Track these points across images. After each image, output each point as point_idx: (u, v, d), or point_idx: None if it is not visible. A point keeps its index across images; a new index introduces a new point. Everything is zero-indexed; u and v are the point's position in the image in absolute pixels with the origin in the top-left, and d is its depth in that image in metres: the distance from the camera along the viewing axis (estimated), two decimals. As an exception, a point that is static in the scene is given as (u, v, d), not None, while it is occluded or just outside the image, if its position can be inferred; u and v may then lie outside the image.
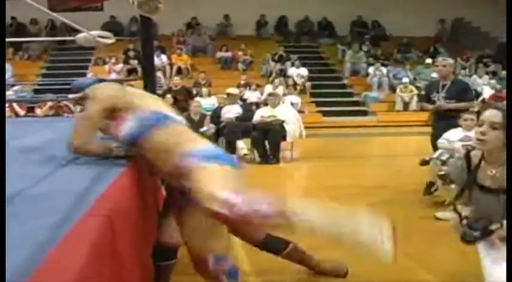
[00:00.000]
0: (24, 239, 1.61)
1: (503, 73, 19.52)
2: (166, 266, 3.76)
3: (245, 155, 10.84)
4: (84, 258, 1.50)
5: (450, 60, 7.96)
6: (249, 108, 12.13)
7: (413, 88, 18.60)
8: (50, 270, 1.37)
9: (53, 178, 2.57)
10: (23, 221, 1.83)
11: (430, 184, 7.03)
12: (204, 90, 16.39)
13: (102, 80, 5.36)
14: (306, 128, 11.60)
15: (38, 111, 14.39)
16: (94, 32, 4.89)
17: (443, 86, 7.47)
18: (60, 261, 1.44)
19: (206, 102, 14.58)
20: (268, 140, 10.74)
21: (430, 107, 7.70)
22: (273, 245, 4.05)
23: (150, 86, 5.56)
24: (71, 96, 4.32)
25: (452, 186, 6.72)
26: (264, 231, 3.92)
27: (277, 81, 17.82)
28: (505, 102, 7.53)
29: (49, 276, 1.33)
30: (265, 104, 12.39)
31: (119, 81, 12.64)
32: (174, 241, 3.71)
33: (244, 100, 15.70)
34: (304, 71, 19.50)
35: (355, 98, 19.49)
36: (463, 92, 7.47)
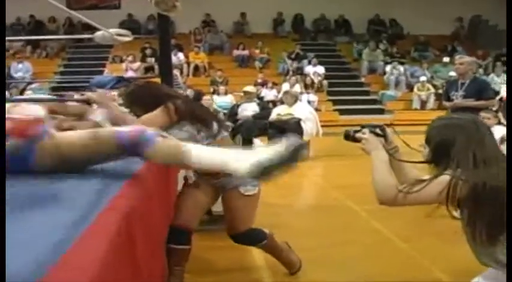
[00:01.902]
0: (42, 235, 1.61)
1: (522, 72, 19.37)
2: (178, 250, 3.86)
3: (262, 153, 10.81)
4: (103, 255, 1.51)
5: (468, 58, 7.90)
6: (266, 106, 12.11)
7: (431, 86, 18.54)
8: (67, 267, 1.38)
9: (71, 175, 2.58)
10: (41, 217, 1.84)
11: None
12: (222, 88, 16.41)
13: (120, 78, 5.39)
14: (322, 126, 11.59)
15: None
16: (112, 30, 4.92)
17: (462, 84, 7.41)
18: (78, 258, 1.44)
19: (223, 100, 14.61)
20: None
21: (448, 104, 7.66)
22: (253, 237, 4.09)
23: (167, 84, 5.57)
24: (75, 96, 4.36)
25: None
26: (248, 225, 3.97)
27: (293, 79, 17.81)
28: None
29: (67, 274, 1.34)
30: (282, 102, 12.38)
31: (136, 79, 12.71)
32: (189, 226, 3.84)
33: (261, 98, 15.70)
34: (320, 69, 19.47)
35: (372, 97, 19.45)
36: (482, 91, 7.40)
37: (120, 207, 1.98)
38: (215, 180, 3.79)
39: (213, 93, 15.95)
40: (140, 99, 3.74)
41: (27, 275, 1.29)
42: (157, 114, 3.56)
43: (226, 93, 16.01)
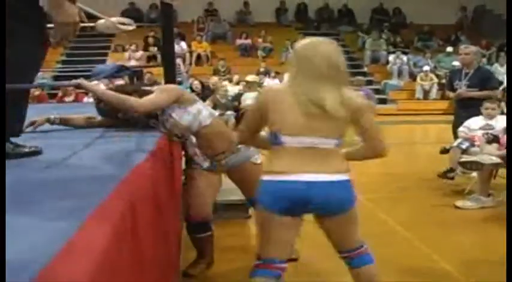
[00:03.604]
0: (47, 221, 1.64)
1: (527, 61, 19.33)
2: (203, 238, 4.13)
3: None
4: (106, 241, 1.51)
5: (473, 48, 7.88)
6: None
7: (434, 76, 18.50)
8: (71, 252, 1.38)
9: (76, 161, 2.60)
10: (47, 204, 1.86)
11: (449, 170, 6.98)
12: (235, 77, 16.37)
13: (122, 67, 5.39)
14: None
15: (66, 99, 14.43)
16: (114, 19, 4.89)
17: (466, 74, 7.40)
18: (81, 244, 1.45)
19: (234, 90, 14.59)
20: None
21: (452, 94, 7.65)
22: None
23: (170, 73, 5.56)
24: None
25: (473, 174, 6.71)
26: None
27: (296, 68, 17.75)
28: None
29: (71, 258, 1.34)
30: (285, 91, 12.36)
31: (139, 68, 12.69)
32: (208, 217, 3.99)
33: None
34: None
35: (375, 86, 19.38)
36: (485, 80, 7.38)
37: (125, 194, 1.98)
38: (226, 159, 3.92)
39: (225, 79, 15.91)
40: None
41: (31, 262, 1.29)
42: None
43: (238, 83, 15.98)
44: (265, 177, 2.96)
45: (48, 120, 4.02)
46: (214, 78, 13.64)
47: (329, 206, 3.01)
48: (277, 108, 2.92)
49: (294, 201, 2.92)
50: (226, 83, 14.94)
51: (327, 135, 2.92)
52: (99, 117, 4.19)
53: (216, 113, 4.17)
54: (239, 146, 3.88)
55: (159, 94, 3.64)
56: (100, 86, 4.46)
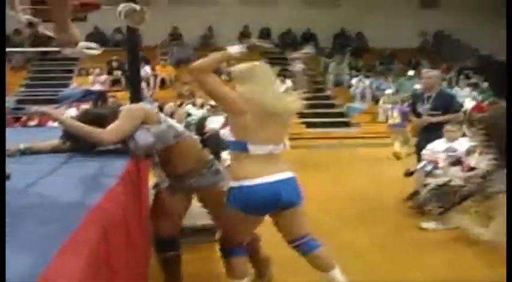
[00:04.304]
0: (20, 250, 1.62)
1: (485, 85, 19.72)
2: (171, 257, 4.18)
3: (229, 166, 10.82)
4: (82, 269, 1.51)
5: (435, 72, 8.02)
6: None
7: (396, 99, 18.70)
8: (49, 280, 1.38)
9: (46, 187, 2.58)
10: (20, 232, 1.84)
11: (414, 193, 7.07)
12: (199, 100, 16.35)
13: (89, 91, 5.40)
14: (290, 139, 11.65)
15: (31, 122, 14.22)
16: (81, 43, 4.88)
17: (428, 97, 7.51)
18: (57, 272, 1.44)
19: (198, 113, 14.56)
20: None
21: (417, 120, 7.73)
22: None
23: (136, 96, 5.56)
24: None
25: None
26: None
27: (260, 92, 17.76)
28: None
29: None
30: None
31: (104, 93, 12.64)
32: (175, 234, 4.04)
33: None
34: (287, 83, 19.51)
35: (338, 109, 19.53)
36: (448, 104, 7.52)
37: (99, 220, 1.98)
38: (191, 180, 3.91)
39: (180, 105, 15.86)
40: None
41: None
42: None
43: (202, 106, 15.97)
44: (236, 183, 3.57)
45: (19, 151, 3.95)
46: (170, 104, 13.61)
47: (292, 199, 3.73)
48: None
49: (267, 200, 3.60)
50: (190, 106, 14.93)
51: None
52: (67, 144, 4.16)
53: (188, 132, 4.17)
54: (206, 169, 3.92)
55: (124, 121, 3.64)
56: (67, 114, 4.46)
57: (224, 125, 9.55)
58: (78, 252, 1.59)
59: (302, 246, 3.87)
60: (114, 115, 3.79)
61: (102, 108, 4.51)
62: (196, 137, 10.99)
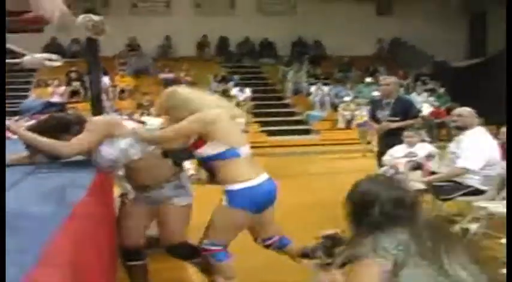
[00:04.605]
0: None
1: (441, 90, 20.07)
2: (137, 266, 4.18)
3: (192, 175, 10.82)
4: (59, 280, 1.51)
5: (392, 79, 8.11)
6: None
7: (355, 106, 18.90)
8: None
9: (13, 199, 2.55)
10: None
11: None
12: (152, 109, 16.31)
13: (49, 103, 5.36)
14: (251, 147, 11.63)
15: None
16: (40, 55, 4.85)
17: (387, 104, 7.58)
18: None
19: (154, 123, 14.47)
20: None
21: (377, 127, 7.79)
22: (188, 250, 4.19)
23: (97, 107, 5.54)
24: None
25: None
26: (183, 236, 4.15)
27: (220, 101, 17.71)
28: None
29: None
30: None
31: (64, 104, 12.52)
32: (139, 244, 4.03)
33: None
34: (247, 92, 19.60)
35: (297, 117, 19.65)
36: (407, 109, 7.61)
37: (70, 233, 1.97)
38: (147, 193, 3.91)
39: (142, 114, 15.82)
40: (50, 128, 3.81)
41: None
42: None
43: (159, 114, 15.89)
44: (240, 185, 3.84)
45: None
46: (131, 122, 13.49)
47: (274, 198, 4.09)
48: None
49: (270, 197, 4.04)
50: (146, 116, 14.85)
51: None
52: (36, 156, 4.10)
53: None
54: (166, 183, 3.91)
55: (87, 134, 3.63)
56: (26, 126, 4.40)
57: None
58: (54, 264, 1.59)
59: (277, 242, 4.25)
60: (78, 120, 3.79)
61: (67, 114, 4.49)
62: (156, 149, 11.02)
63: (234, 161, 3.90)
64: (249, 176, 3.89)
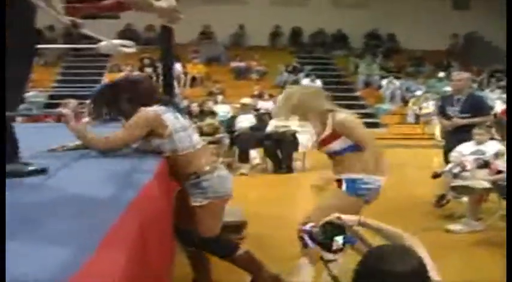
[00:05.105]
0: (58, 245, 1.68)
1: (517, 88, 19.53)
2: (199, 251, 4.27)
3: (258, 164, 10.93)
4: (121, 264, 1.56)
5: (465, 75, 7.99)
6: (262, 118, 12.19)
7: (425, 101, 18.63)
8: (87, 276, 1.42)
9: (81, 182, 2.65)
10: (57, 227, 1.90)
11: (442, 196, 7.09)
12: (219, 97, 16.48)
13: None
14: (318, 139, 11.67)
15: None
16: (116, 41, 4.98)
17: (458, 100, 7.49)
18: (96, 268, 1.49)
19: (221, 110, 14.64)
20: (281, 150, 10.86)
21: (446, 122, 7.70)
22: (228, 244, 4.20)
23: (168, 94, 5.65)
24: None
25: (464, 198, 6.80)
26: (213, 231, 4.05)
27: (290, 91, 17.67)
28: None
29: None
30: (278, 114, 12.47)
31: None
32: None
33: (257, 110, 15.77)
34: (317, 82, 19.56)
35: (367, 110, 19.49)
36: (478, 107, 7.49)
37: (136, 215, 2.04)
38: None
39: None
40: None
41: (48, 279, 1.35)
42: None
43: (224, 102, 16.07)
44: (362, 175, 4.30)
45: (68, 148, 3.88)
46: (194, 104, 13.70)
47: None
48: None
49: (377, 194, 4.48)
50: (210, 104, 15.00)
51: None
52: None
53: (201, 142, 4.11)
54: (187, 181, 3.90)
55: (128, 131, 3.67)
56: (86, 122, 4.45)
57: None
58: (119, 247, 1.65)
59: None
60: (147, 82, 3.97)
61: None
62: (226, 135, 11.08)
63: (356, 155, 4.36)
64: (378, 168, 4.37)
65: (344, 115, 4.54)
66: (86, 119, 5.01)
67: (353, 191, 4.33)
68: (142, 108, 3.73)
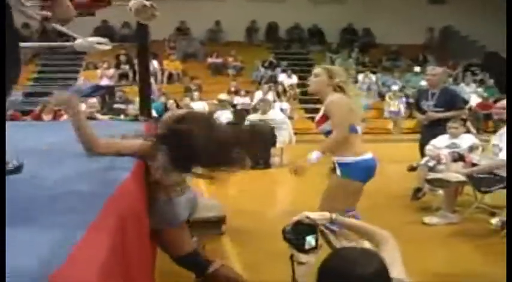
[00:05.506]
0: (44, 236, 1.71)
1: (491, 81, 19.76)
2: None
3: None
4: (104, 254, 1.60)
5: (439, 70, 8.07)
6: (240, 114, 12.20)
7: (402, 95, 18.75)
8: (74, 263, 1.46)
9: (61, 177, 2.66)
10: (43, 219, 1.94)
11: (417, 190, 7.16)
12: (195, 94, 16.47)
13: (99, 86, 5.46)
14: (295, 134, 11.73)
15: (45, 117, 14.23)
16: (91, 39, 4.98)
17: (433, 94, 7.56)
18: (82, 258, 1.53)
19: (196, 106, 14.63)
20: (258, 146, 10.89)
21: (420, 117, 7.77)
22: (198, 263, 3.99)
23: (145, 91, 5.67)
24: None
25: (440, 191, 6.89)
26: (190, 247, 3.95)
27: (266, 87, 17.74)
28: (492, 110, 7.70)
29: (75, 268, 1.43)
30: (255, 110, 12.51)
31: (112, 87, 12.71)
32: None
33: (234, 106, 15.80)
34: (294, 78, 19.62)
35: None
36: (452, 101, 7.57)
37: (116, 209, 2.07)
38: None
39: (177, 105, 15.85)
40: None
41: (36, 271, 1.38)
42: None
43: (200, 99, 16.07)
44: (353, 158, 4.54)
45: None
46: (170, 101, 13.71)
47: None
48: None
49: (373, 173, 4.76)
50: (187, 100, 14.98)
51: None
52: None
53: None
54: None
55: (121, 145, 3.44)
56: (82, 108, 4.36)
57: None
58: (100, 241, 1.68)
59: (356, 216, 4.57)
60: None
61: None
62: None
63: (350, 137, 4.56)
64: (364, 150, 4.68)
65: (335, 97, 4.57)
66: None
67: (346, 174, 4.55)
68: None
